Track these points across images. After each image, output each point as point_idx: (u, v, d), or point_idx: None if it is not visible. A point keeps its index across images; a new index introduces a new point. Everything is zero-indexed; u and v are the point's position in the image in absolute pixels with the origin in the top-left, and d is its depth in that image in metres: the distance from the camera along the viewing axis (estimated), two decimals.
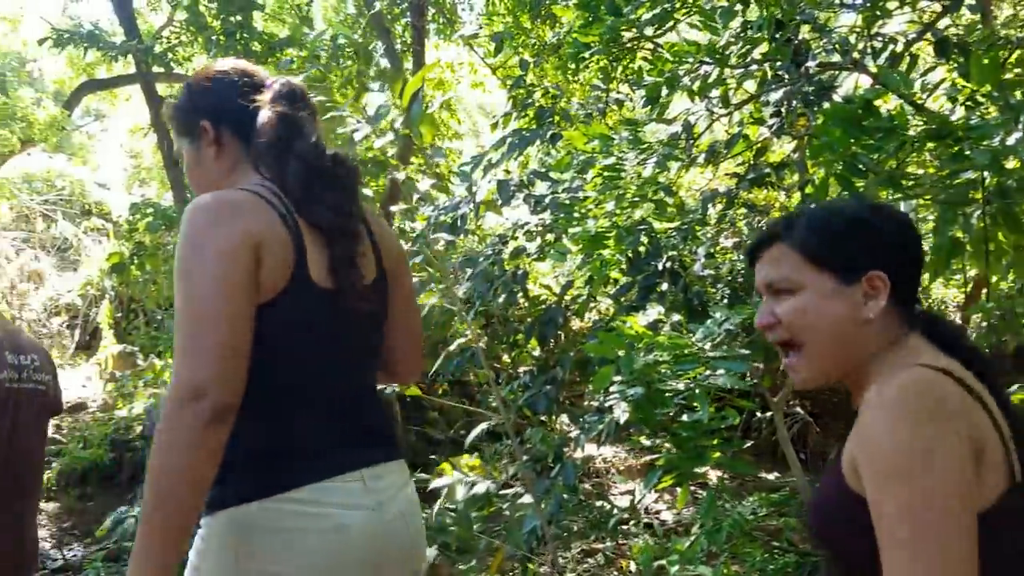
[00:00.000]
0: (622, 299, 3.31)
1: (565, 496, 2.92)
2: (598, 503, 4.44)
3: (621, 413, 1.92)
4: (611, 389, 1.84)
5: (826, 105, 2.42)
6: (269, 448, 1.32)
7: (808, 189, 2.51)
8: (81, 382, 9.27)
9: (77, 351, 10.84)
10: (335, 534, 1.29)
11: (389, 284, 1.52)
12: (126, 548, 3.77)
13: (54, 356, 10.91)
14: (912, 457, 0.94)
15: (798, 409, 6.83)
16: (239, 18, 6.51)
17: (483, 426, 1.92)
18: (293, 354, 1.34)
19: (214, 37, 6.79)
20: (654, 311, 1.91)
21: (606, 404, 2.08)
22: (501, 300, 3.33)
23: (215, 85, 1.49)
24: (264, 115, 1.42)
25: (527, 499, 2.11)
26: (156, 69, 7.58)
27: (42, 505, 6.49)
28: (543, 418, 3.72)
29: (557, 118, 3.54)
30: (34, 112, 8.15)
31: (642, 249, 3.01)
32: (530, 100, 3.92)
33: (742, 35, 2.77)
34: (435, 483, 1.75)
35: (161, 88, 8.48)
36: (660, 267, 3.09)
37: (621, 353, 1.73)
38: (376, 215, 1.64)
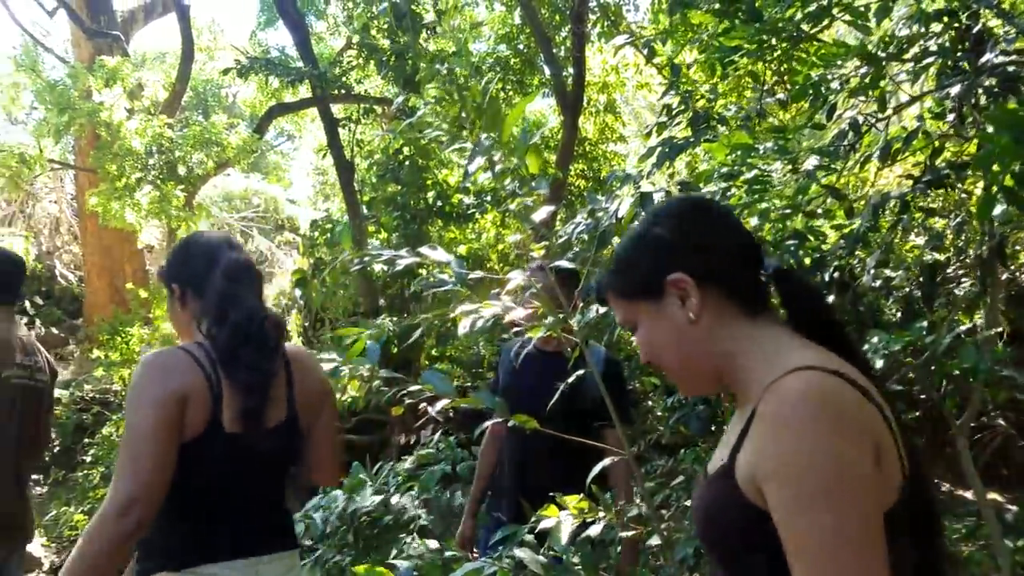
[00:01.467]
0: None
1: None
2: None
3: None
4: None
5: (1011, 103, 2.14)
6: (183, 542, 1.80)
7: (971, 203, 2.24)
8: None
9: None
10: None
11: (302, 418, 1.96)
12: None
13: None
14: (825, 478, 0.92)
15: (1000, 422, 6.19)
16: (406, 39, 6.76)
17: (604, 463, 1.84)
18: (207, 480, 1.79)
19: (384, 58, 7.08)
20: None
21: None
22: None
23: (187, 258, 1.96)
24: (210, 289, 1.87)
25: (655, 540, 2.00)
26: (336, 91, 8.01)
27: None
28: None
29: (713, 122, 3.38)
30: (227, 136, 8.83)
31: (807, 260, 2.81)
32: (684, 106, 3.75)
33: (911, 27, 2.52)
34: (543, 524, 1.70)
35: (339, 109, 8.96)
36: (826, 278, 2.87)
37: None
38: (307, 355, 2.07)
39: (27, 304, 10.96)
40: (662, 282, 1.15)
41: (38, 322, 9.43)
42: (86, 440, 7.65)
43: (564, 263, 2.49)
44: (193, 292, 1.92)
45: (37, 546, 6.28)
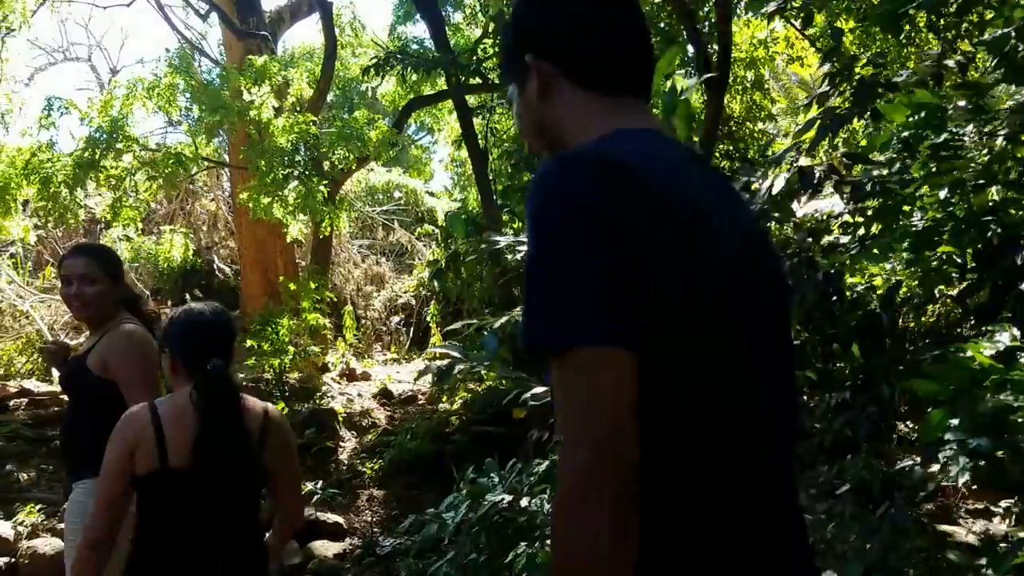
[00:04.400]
0: (968, 301, 2.71)
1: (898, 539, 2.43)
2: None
3: (959, 471, 1.46)
4: (947, 436, 1.40)
5: None
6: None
7: None
8: (414, 376, 10.07)
9: (411, 347, 11.83)
10: None
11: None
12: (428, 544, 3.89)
13: (392, 352, 11.98)
14: None
15: None
16: None
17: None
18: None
19: None
20: (1005, 336, 1.41)
21: (940, 457, 1.62)
22: (811, 303, 2.88)
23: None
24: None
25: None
26: (471, 80, 7.93)
27: (373, 492, 7.10)
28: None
29: (881, 89, 2.99)
30: (368, 131, 8.95)
31: (995, 240, 2.41)
32: (846, 74, 3.34)
33: None
34: None
35: (474, 100, 8.88)
36: (1020, 261, 2.45)
37: (958, 390, 1.30)
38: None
39: (187, 297, 11.58)
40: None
41: None
42: None
43: None
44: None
45: None
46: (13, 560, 5.27)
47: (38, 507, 5.79)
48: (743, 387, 1.07)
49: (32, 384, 9.69)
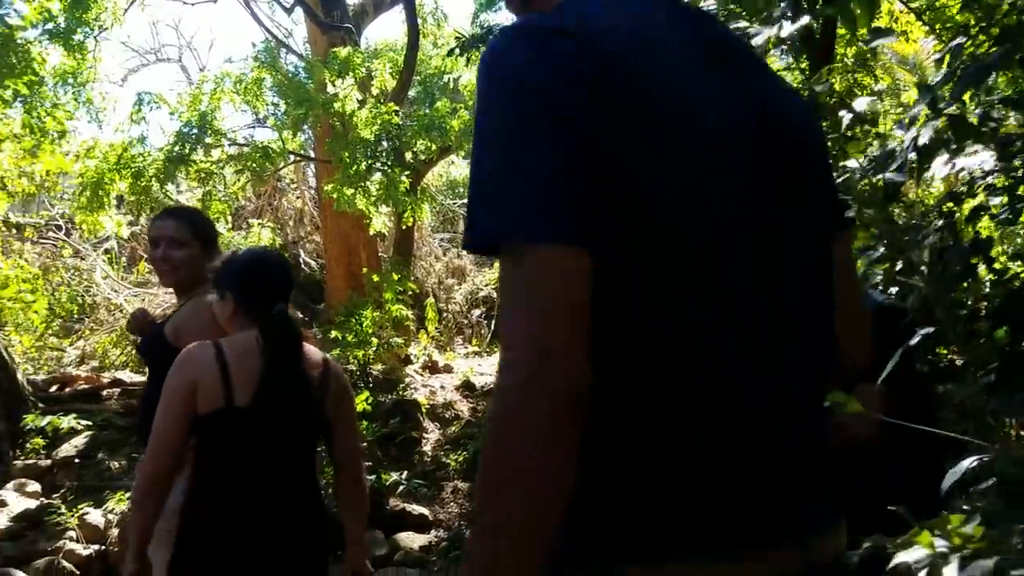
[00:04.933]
0: None
1: None
2: None
3: None
4: None
5: None
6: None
7: None
8: (496, 368, 9.94)
9: (492, 340, 11.71)
10: None
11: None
12: None
13: (474, 345, 11.88)
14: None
15: None
16: None
17: (969, 462, 1.30)
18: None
19: None
20: None
21: None
22: (953, 275, 2.58)
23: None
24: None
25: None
26: None
27: (458, 484, 6.99)
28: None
29: None
30: (449, 121, 8.86)
31: None
32: (985, 23, 3.01)
33: None
34: (901, 556, 1.07)
35: None
36: None
37: None
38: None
39: None
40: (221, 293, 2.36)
41: None
42: None
43: None
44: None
45: None
46: (103, 548, 5.32)
47: (128, 495, 5.84)
48: (728, 324, 0.90)
49: (126, 375, 9.94)
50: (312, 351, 2.38)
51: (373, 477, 6.13)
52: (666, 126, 0.87)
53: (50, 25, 9.88)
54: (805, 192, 1.01)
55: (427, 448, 7.74)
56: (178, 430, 2.13)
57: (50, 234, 13.61)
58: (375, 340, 9.15)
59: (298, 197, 13.13)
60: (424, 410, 8.24)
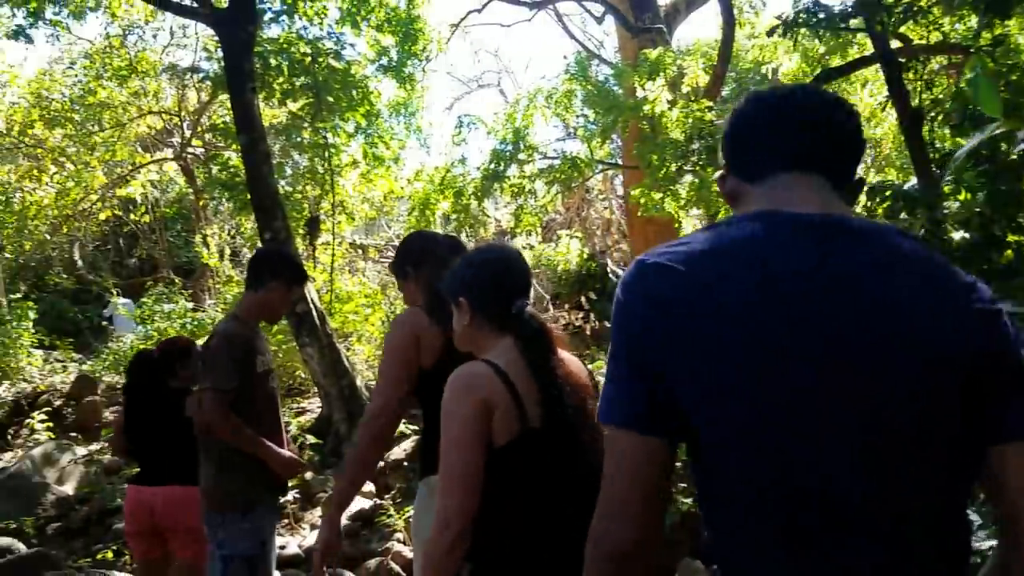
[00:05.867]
0: None
1: None
2: None
3: None
4: None
5: None
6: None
7: None
8: None
9: None
10: None
11: None
12: None
13: None
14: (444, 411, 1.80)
15: None
16: None
17: None
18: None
19: None
20: None
21: None
22: None
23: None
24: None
25: None
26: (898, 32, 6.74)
27: None
28: None
29: None
30: None
31: None
32: None
33: None
34: None
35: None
36: None
37: None
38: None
39: (582, 300, 11.73)
40: (455, 300, 2.03)
41: (592, 316, 9.92)
42: None
43: None
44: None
45: None
46: (383, 561, 5.43)
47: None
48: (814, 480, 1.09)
49: None
50: (573, 359, 2.04)
51: None
52: (709, 362, 1.11)
53: (383, 60, 10.76)
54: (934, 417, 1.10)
55: None
56: (477, 467, 1.79)
57: (388, 253, 14.92)
58: None
59: (606, 207, 13.08)
60: None
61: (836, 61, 9.27)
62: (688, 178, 8.81)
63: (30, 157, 15.90)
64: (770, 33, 6.28)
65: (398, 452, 7.23)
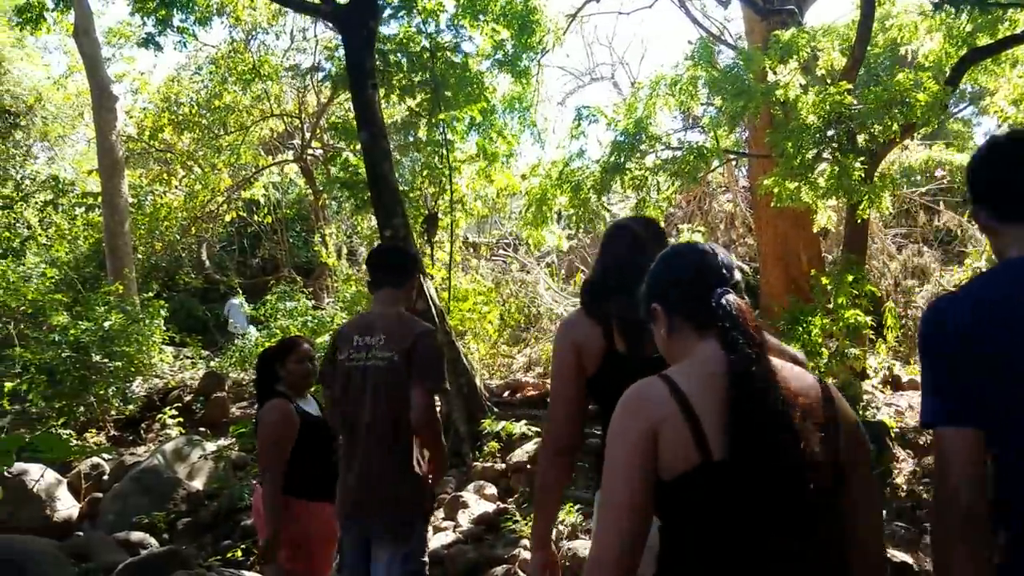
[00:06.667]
0: None
1: None
2: None
3: None
4: None
5: None
6: None
7: None
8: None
9: None
10: None
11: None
12: None
13: None
14: (610, 433, 1.57)
15: None
16: None
17: None
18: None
19: None
20: None
21: None
22: None
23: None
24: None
25: None
26: None
27: None
28: None
29: None
30: (914, 94, 7.52)
31: None
32: None
33: None
34: None
35: None
36: None
37: None
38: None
39: None
40: (647, 310, 1.76)
41: None
42: None
43: None
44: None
45: None
46: (510, 569, 5.18)
47: (576, 507, 5.68)
48: None
49: None
50: (793, 369, 1.68)
51: None
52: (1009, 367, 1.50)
53: (499, 55, 10.58)
54: None
55: (899, 480, 6.55)
56: (638, 513, 1.54)
57: (500, 251, 14.78)
58: (825, 351, 8.17)
59: (729, 200, 12.52)
60: (892, 434, 7.03)
61: (984, 40, 8.48)
62: (824, 166, 8.25)
63: (160, 162, 16.60)
64: (937, 7, 5.70)
65: (520, 455, 7.02)
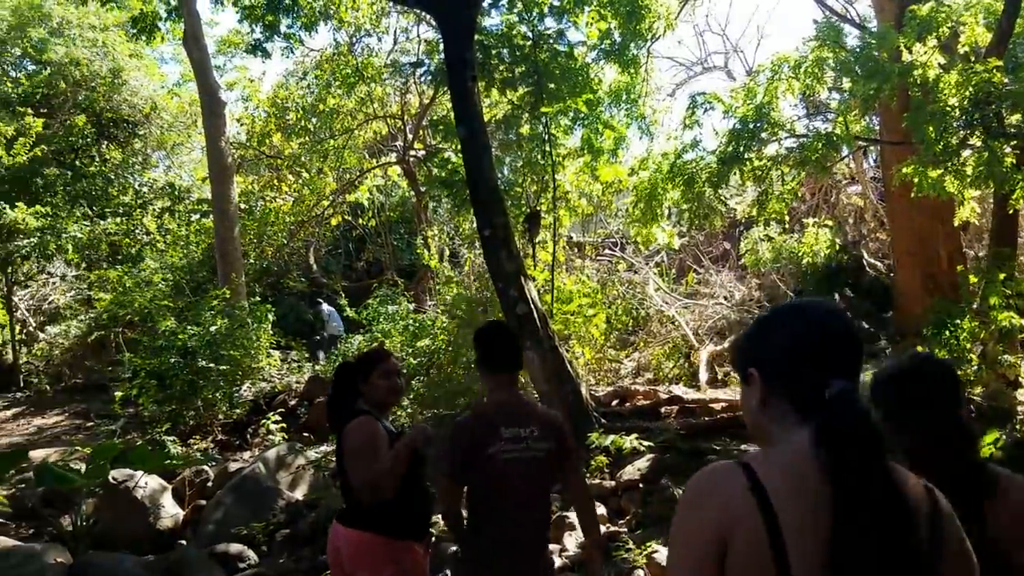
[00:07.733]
0: None
1: None
2: None
3: None
4: None
5: None
6: None
7: None
8: None
9: None
10: None
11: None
12: None
13: None
14: (673, 527, 1.36)
15: None
16: None
17: None
18: None
19: None
20: None
21: None
22: None
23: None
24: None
25: None
26: None
27: None
28: None
29: None
30: None
31: None
32: None
33: None
34: None
35: None
36: None
37: None
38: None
39: (836, 297, 10.37)
40: (746, 370, 1.45)
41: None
42: None
43: None
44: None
45: None
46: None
47: None
48: None
49: (680, 390, 9.58)
50: (902, 471, 1.36)
51: None
52: None
53: (605, 44, 10.06)
54: None
55: None
56: None
57: (606, 251, 14.21)
58: (974, 357, 7.29)
59: (859, 193, 11.57)
60: None
61: None
62: (969, 152, 7.38)
63: (270, 168, 16.82)
64: None
65: (631, 471, 6.47)
